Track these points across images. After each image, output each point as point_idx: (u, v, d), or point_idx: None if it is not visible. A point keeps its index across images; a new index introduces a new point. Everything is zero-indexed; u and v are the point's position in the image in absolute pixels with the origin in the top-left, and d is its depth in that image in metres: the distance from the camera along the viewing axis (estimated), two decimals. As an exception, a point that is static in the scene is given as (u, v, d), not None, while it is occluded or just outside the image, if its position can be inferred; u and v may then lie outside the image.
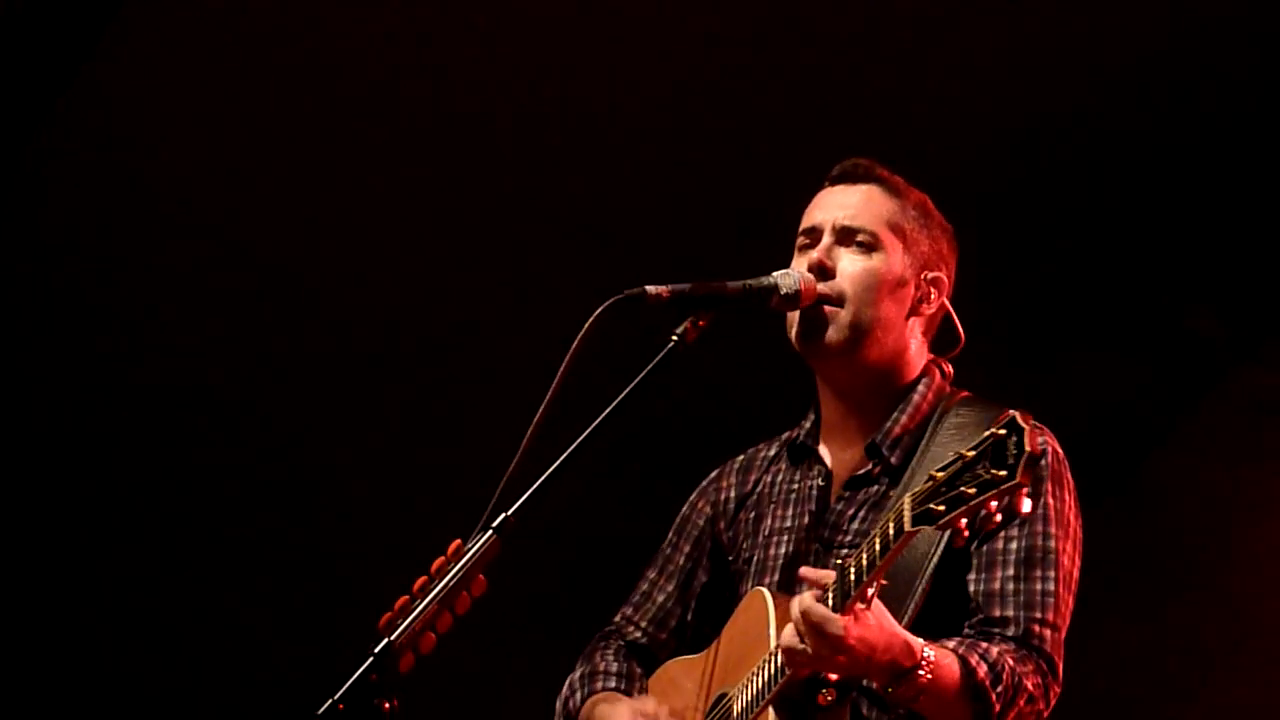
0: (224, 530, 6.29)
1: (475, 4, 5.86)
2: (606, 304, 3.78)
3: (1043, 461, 3.99)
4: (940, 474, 3.55)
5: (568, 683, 4.34)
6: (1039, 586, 3.95)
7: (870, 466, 4.13)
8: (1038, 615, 3.93)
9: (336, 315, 6.19)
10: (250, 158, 6.05)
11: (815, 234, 4.18)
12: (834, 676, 3.78)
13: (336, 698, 3.37)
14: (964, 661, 3.81)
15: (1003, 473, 3.45)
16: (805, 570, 3.80)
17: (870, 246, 4.14)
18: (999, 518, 3.50)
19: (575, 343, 3.72)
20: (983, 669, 3.81)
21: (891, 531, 3.62)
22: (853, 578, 3.66)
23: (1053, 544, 3.97)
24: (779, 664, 3.81)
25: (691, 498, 4.43)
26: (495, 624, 4.37)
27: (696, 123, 5.82)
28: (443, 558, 3.55)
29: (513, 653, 5.53)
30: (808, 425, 4.26)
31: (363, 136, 6.02)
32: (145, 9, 5.85)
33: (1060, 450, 4.06)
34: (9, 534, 6.36)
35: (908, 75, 5.73)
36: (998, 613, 3.94)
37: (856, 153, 4.27)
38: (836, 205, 4.19)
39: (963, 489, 3.50)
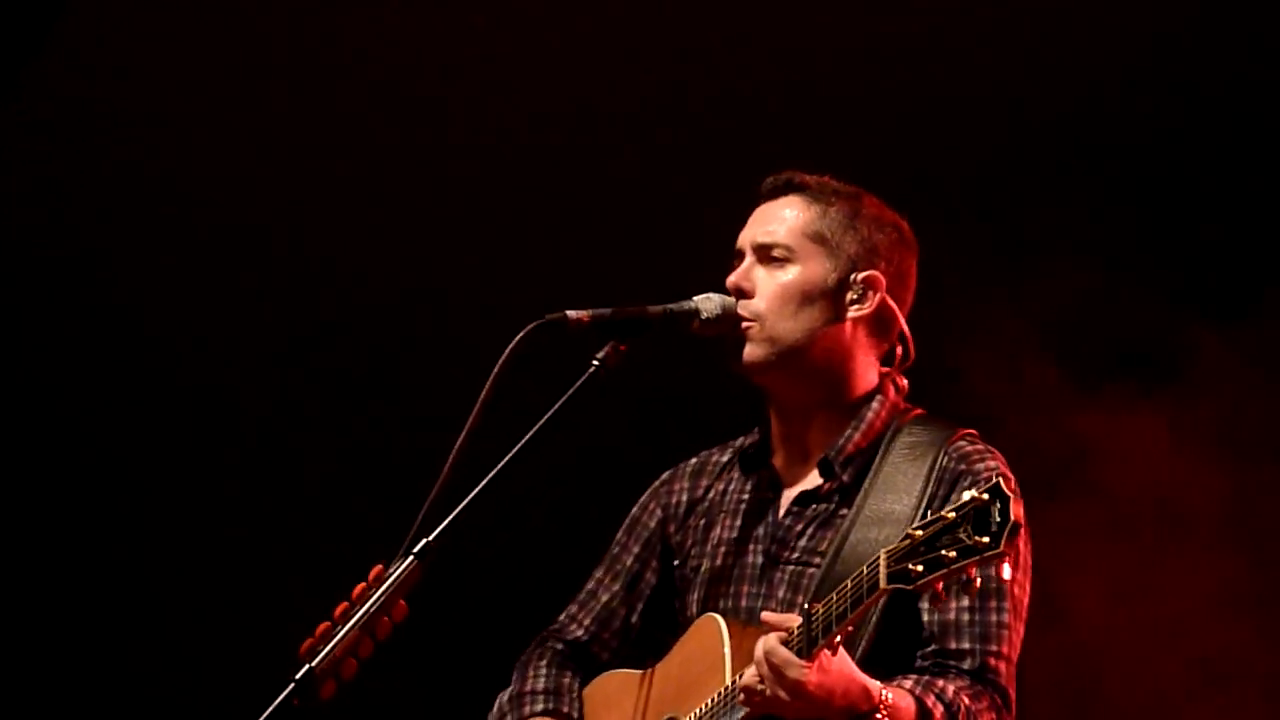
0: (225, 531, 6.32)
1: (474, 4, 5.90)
2: (526, 329, 3.82)
3: None
4: (919, 533, 3.56)
5: (497, 703, 4.33)
6: (994, 618, 3.96)
7: (822, 483, 4.13)
8: (993, 648, 3.95)
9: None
10: (245, 159, 6.09)
11: (741, 255, 4.19)
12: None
13: (257, 724, 3.43)
14: (920, 703, 3.83)
15: (985, 540, 3.47)
16: (769, 615, 3.80)
17: (785, 260, 4.13)
18: (978, 583, 3.53)
19: (496, 368, 3.75)
20: (939, 710, 3.83)
21: (865, 587, 3.62)
22: (820, 626, 3.67)
23: (1006, 574, 3.98)
24: (734, 701, 3.83)
25: (643, 499, 4.42)
26: (439, 635, 4.39)
27: (631, 140, 5.82)
28: (364, 583, 3.59)
29: (455, 662, 5.56)
30: (760, 436, 4.25)
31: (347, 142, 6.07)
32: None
33: (1010, 474, 4.00)
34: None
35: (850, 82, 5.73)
36: (953, 644, 3.95)
37: (789, 164, 4.25)
38: (756, 223, 4.20)
39: (943, 551, 3.51)
